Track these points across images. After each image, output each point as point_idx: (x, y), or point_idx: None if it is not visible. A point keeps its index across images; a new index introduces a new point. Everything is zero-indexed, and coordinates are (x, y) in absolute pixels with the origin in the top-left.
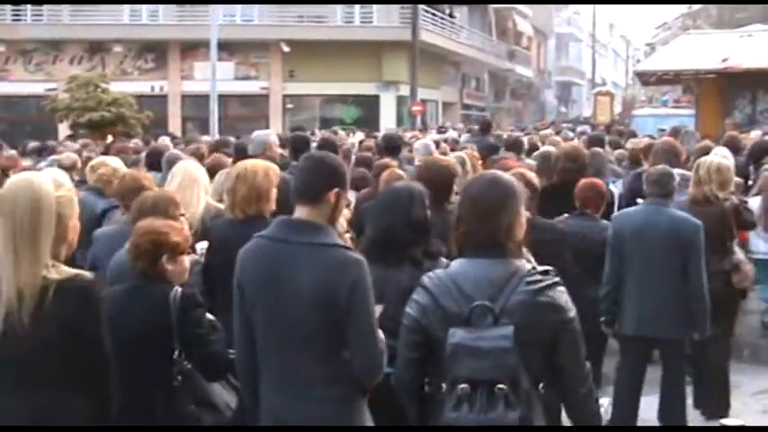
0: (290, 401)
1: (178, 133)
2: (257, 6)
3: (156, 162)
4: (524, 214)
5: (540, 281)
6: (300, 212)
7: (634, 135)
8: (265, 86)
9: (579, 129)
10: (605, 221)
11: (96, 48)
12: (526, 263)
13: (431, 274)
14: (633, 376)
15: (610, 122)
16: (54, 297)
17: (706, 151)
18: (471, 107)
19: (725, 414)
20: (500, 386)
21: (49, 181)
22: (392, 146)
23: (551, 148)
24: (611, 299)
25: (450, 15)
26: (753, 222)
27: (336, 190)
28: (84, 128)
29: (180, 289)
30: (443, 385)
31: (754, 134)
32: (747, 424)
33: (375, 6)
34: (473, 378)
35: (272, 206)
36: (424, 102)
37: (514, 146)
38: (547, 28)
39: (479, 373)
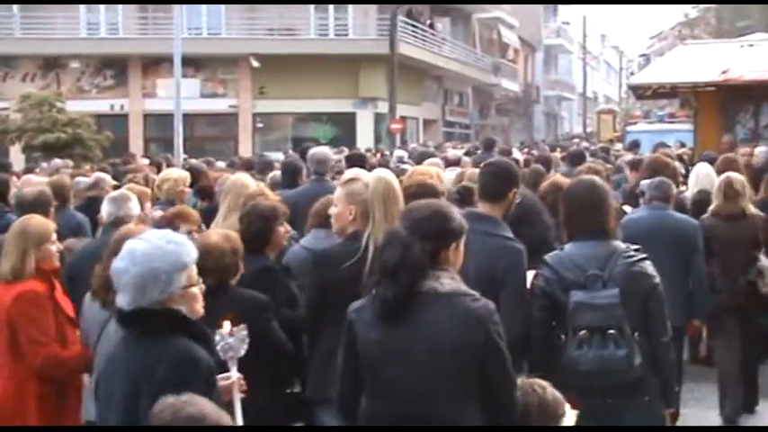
0: None
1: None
2: (225, 18)
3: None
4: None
5: (634, 256)
6: (483, 208)
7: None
8: (234, 104)
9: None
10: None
11: (51, 64)
12: (620, 243)
13: (551, 254)
14: None
15: (613, 140)
16: None
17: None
18: (454, 124)
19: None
20: (610, 331)
21: (393, 176)
22: (423, 159)
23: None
24: None
25: (431, 26)
26: None
27: (514, 189)
28: (38, 150)
29: None
30: (562, 336)
31: (759, 150)
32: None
33: (351, 18)
34: (590, 326)
35: None
36: (403, 119)
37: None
38: (534, 39)
39: (595, 322)
